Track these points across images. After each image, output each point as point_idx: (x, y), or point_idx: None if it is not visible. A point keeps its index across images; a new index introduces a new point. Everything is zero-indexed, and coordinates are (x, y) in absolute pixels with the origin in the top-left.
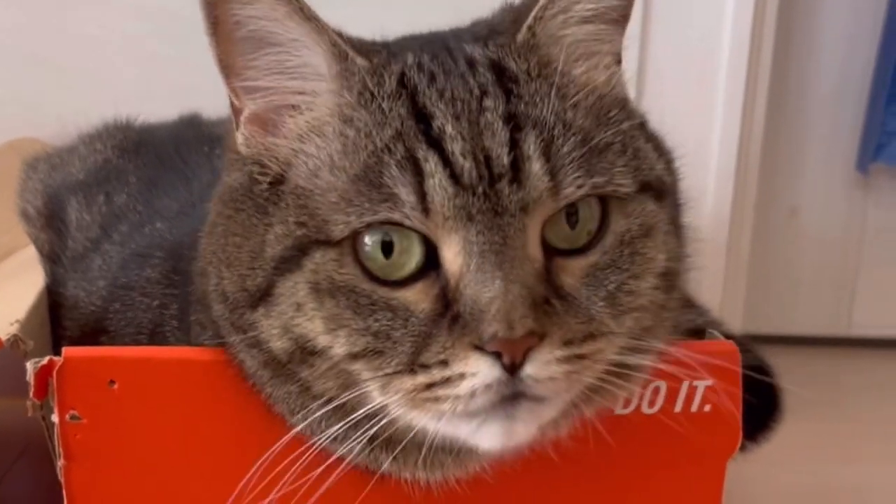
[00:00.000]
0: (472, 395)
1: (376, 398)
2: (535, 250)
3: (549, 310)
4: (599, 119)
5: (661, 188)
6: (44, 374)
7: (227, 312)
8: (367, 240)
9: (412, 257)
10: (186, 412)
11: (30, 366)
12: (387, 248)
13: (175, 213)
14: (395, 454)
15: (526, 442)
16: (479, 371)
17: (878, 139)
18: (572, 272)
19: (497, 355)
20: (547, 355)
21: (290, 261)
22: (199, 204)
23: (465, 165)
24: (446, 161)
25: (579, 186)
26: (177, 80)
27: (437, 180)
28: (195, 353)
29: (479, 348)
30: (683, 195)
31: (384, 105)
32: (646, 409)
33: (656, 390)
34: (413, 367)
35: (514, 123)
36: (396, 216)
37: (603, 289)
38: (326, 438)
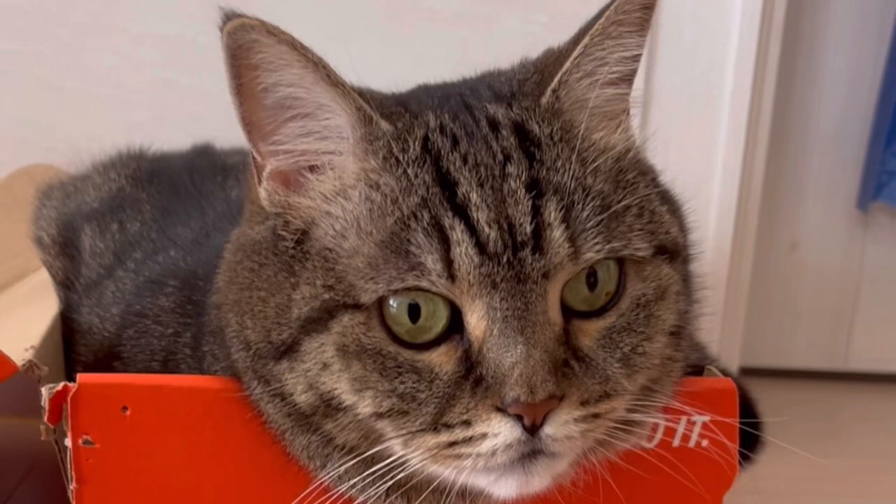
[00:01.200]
0: (493, 453)
1: (398, 451)
2: (555, 314)
3: (567, 372)
4: (618, 183)
5: (675, 250)
6: (58, 399)
7: (250, 361)
8: (394, 303)
9: (438, 321)
10: (197, 439)
11: (44, 391)
12: (413, 312)
13: (189, 242)
14: (413, 502)
15: (539, 491)
16: (501, 432)
17: (879, 178)
18: (590, 334)
19: (518, 417)
20: (565, 416)
21: (318, 322)
22: (213, 233)
23: (491, 234)
24: (472, 229)
25: (598, 251)
26: (190, 108)
27: (463, 249)
28: (207, 382)
29: (501, 410)
30: (692, 246)
31: (409, 171)
32: (644, 445)
33: (655, 426)
34: (436, 425)
35: (537, 190)
36: (423, 283)
37: (619, 350)
38: (348, 487)
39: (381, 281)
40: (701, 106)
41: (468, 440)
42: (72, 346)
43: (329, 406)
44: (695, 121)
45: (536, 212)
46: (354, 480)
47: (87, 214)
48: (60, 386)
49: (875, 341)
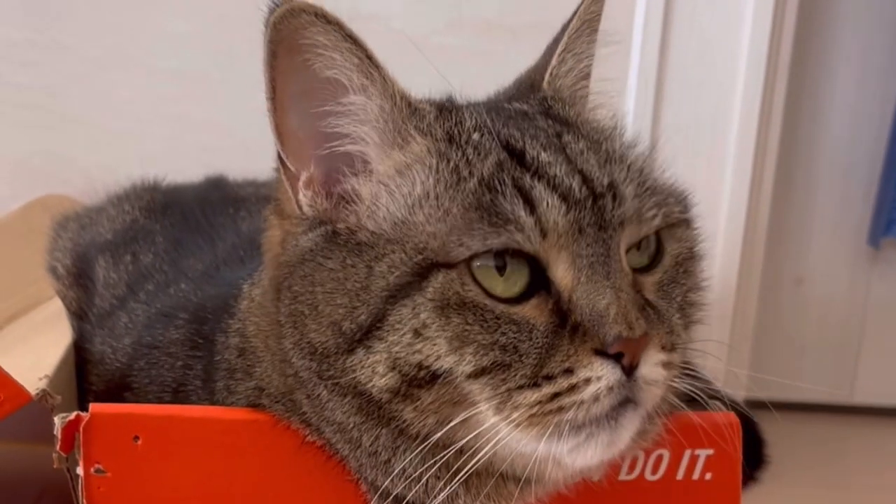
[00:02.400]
0: (596, 398)
1: (489, 419)
2: (626, 264)
3: (649, 315)
4: (637, 157)
5: (688, 218)
6: (71, 428)
7: (315, 364)
8: (480, 262)
9: (522, 275)
10: (207, 469)
11: (57, 420)
12: (499, 269)
13: (200, 275)
14: (471, 489)
15: (620, 453)
16: (604, 374)
17: (890, 215)
18: (649, 287)
19: (617, 358)
20: (655, 357)
21: (409, 286)
22: (223, 266)
23: (573, 184)
24: (554, 185)
25: (655, 215)
26: (204, 141)
27: (550, 201)
28: (218, 412)
29: (600, 353)
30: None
31: (474, 138)
32: (649, 476)
33: (659, 458)
34: (537, 378)
35: (599, 155)
36: (518, 238)
37: (674, 301)
38: (410, 483)
39: (475, 238)
40: (708, 142)
41: (571, 388)
42: (84, 375)
43: (412, 383)
44: (702, 156)
45: (605, 169)
46: (420, 471)
47: (102, 246)
48: (73, 415)
49: (880, 375)
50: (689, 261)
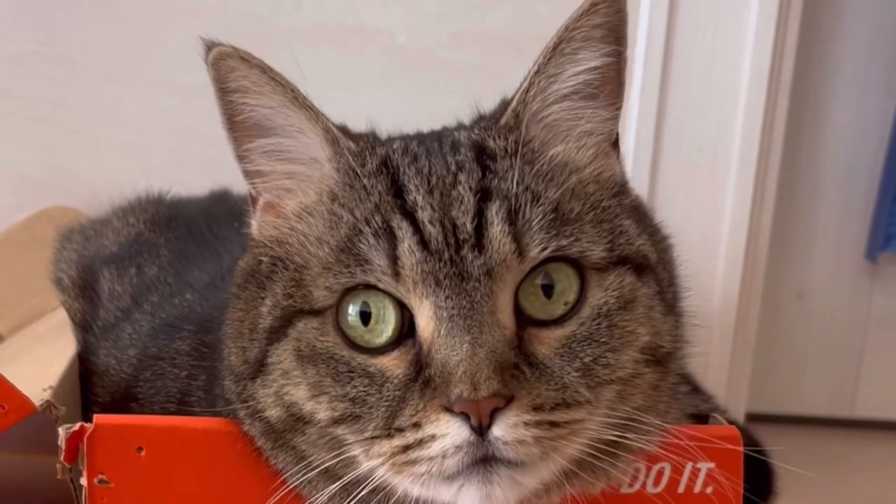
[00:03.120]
0: (444, 455)
1: (362, 462)
2: (505, 318)
3: (517, 374)
4: (573, 193)
5: (642, 263)
6: (75, 439)
7: (234, 385)
8: (350, 309)
9: (388, 325)
10: (210, 481)
11: (62, 431)
12: (364, 316)
13: (204, 286)
14: None
15: (521, 500)
16: (449, 432)
17: (888, 230)
18: (547, 342)
19: (465, 417)
20: (513, 418)
21: (279, 331)
22: (228, 277)
23: (433, 232)
24: (416, 228)
25: (543, 248)
26: (207, 154)
27: (406, 245)
28: (221, 424)
29: (448, 410)
30: (681, 280)
31: (366, 182)
32: (650, 489)
33: (661, 471)
34: (390, 430)
35: (483, 195)
36: (370, 279)
37: (578, 360)
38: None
39: (332, 281)
40: (710, 158)
41: (419, 443)
42: (89, 386)
43: (294, 417)
44: (704, 172)
45: (481, 214)
46: (327, 495)
47: (106, 258)
48: (77, 426)
49: (881, 389)
50: (618, 312)
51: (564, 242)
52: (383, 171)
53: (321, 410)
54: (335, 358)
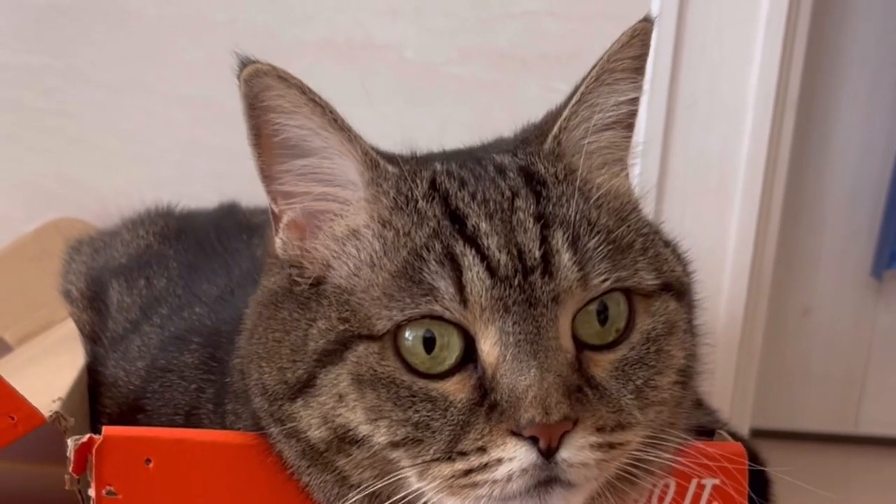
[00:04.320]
0: (509, 479)
1: (414, 485)
2: (566, 341)
3: (581, 397)
4: (622, 221)
5: (681, 289)
6: (83, 450)
7: (267, 405)
8: (409, 335)
9: (452, 352)
10: (218, 493)
11: (70, 442)
12: (428, 343)
13: (214, 299)
14: None
15: None
16: (517, 456)
17: (893, 247)
18: (602, 366)
19: (533, 440)
20: (580, 440)
21: (333, 354)
22: (238, 290)
23: (501, 259)
24: (482, 255)
25: (605, 279)
26: (216, 167)
27: (474, 273)
28: (229, 437)
29: (516, 434)
30: (696, 297)
31: (420, 206)
32: None
33: (666, 487)
34: (451, 454)
35: (544, 222)
36: (437, 309)
37: (631, 382)
38: None
39: (395, 309)
40: (716, 175)
41: (484, 467)
42: (97, 397)
43: (343, 440)
44: (710, 189)
45: (545, 240)
46: None
47: (115, 270)
48: (86, 437)
49: (886, 406)
50: (664, 338)
51: (623, 274)
52: (434, 195)
53: (379, 434)
54: (396, 382)
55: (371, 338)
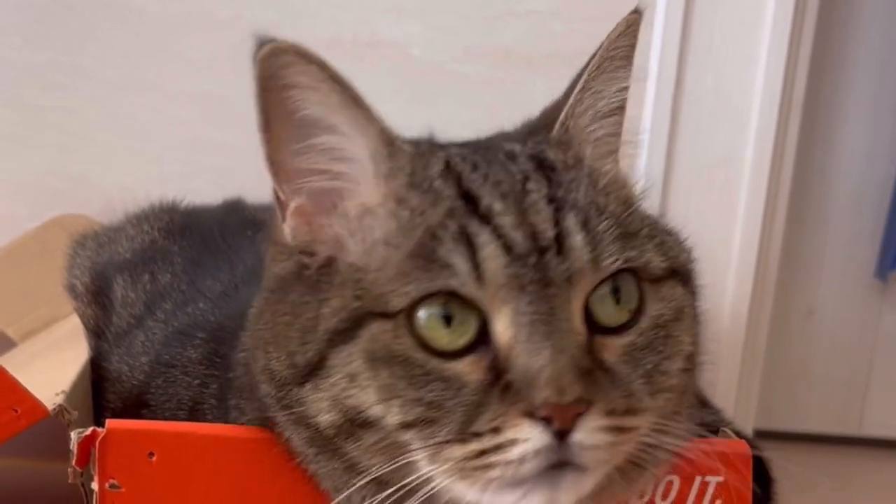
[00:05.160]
0: (523, 460)
1: (424, 468)
2: (579, 324)
3: (593, 381)
4: (627, 207)
5: (686, 274)
6: (86, 443)
7: (275, 391)
8: (424, 312)
9: (467, 330)
10: (222, 487)
11: (73, 435)
12: (444, 321)
13: (218, 295)
14: None
15: None
16: (531, 437)
17: None
18: (612, 350)
19: (547, 422)
20: (593, 423)
21: (345, 333)
22: (242, 286)
23: (516, 238)
24: (498, 234)
25: (616, 259)
26: (220, 163)
27: (490, 250)
28: (232, 431)
29: (530, 415)
30: (699, 283)
31: (435, 185)
32: (659, 503)
33: (669, 484)
34: (464, 435)
35: (556, 205)
36: (453, 283)
37: (641, 367)
38: None
39: (411, 286)
40: (721, 176)
41: (497, 448)
42: (101, 392)
43: (353, 423)
44: (715, 190)
45: (557, 221)
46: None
47: (120, 265)
48: (89, 431)
49: (889, 407)
50: (672, 323)
51: (633, 254)
52: (448, 175)
53: (391, 414)
54: (410, 361)
55: (385, 315)
